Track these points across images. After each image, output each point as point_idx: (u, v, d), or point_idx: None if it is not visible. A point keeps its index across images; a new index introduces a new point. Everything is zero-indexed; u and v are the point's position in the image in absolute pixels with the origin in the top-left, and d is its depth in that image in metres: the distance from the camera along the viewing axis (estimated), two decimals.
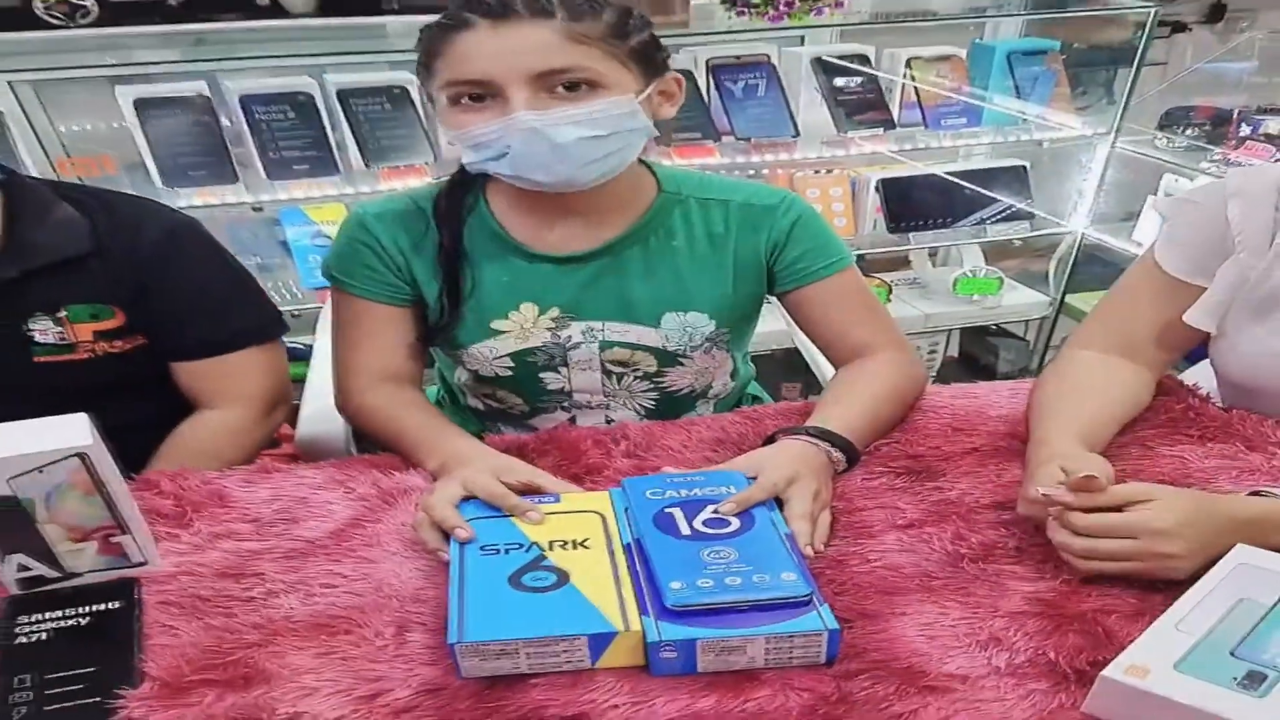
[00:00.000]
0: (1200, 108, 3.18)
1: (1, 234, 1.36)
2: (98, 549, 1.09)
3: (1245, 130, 2.95)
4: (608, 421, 1.51)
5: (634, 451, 1.32)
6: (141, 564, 1.11)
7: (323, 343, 1.79)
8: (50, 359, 1.40)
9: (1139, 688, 0.82)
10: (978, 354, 3.56)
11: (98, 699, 0.93)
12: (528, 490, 1.15)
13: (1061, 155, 3.08)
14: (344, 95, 2.47)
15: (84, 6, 2.93)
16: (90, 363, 1.42)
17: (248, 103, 2.41)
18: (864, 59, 2.83)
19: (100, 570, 1.10)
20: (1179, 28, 4.06)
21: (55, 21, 2.88)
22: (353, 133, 2.49)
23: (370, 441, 1.50)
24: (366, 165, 2.50)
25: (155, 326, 1.46)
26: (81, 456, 1.02)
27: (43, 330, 1.39)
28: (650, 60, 1.31)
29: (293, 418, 1.65)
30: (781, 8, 2.34)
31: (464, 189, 1.43)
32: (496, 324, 1.42)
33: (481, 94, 1.25)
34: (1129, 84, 2.87)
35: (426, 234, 1.42)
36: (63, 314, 1.39)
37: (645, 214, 1.42)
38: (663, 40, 1.34)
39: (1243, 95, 3.41)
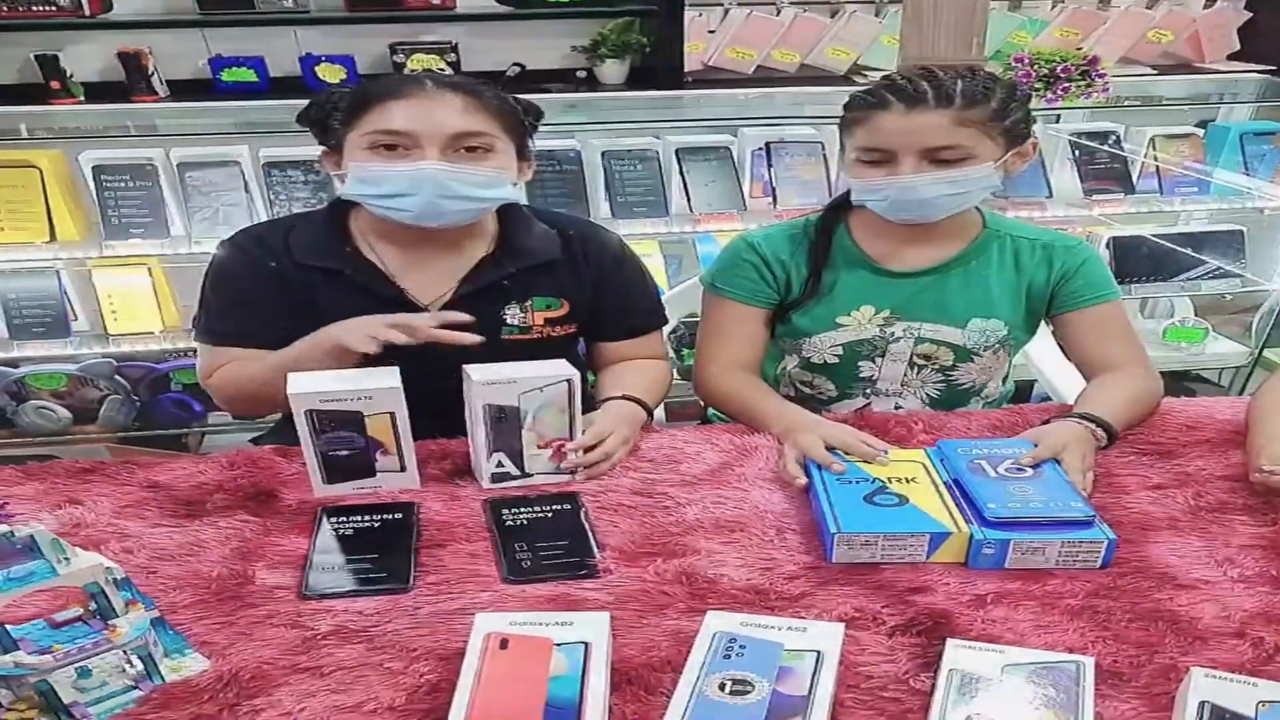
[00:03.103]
0: None
1: (499, 243, 1.56)
2: (550, 456, 1.30)
3: None
4: (896, 408, 1.63)
5: (929, 429, 1.47)
6: (572, 473, 1.32)
7: None
8: (512, 337, 1.53)
9: None
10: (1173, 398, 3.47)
11: (579, 558, 1.14)
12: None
13: (1278, 222, 3.06)
14: (680, 152, 2.64)
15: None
16: (536, 341, 1.55)
17: (607, 157, 2.62)
18: (1112, 134, 2.88)
19: (545, 474, 1.31)
20: None
21: None
22: (683, 184, 2.64)
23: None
24: (690, 210, 2.64)
25: (596, 314, 1.61)
26: (568, 381, 1.27)
27: (512, 315, 1.53)
28: (1016, 132, 1.46)
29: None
30: (1059, 91, 2.52)
31: (834, 217, 1.63)
32: (840, 319, 1.59)
33: (882, 160, 1.45)
34: None
35: (802, 245, 1.62)
36: (528, 303, 1.54)
37: (972, 243, 1.60)
38: None
39: None
